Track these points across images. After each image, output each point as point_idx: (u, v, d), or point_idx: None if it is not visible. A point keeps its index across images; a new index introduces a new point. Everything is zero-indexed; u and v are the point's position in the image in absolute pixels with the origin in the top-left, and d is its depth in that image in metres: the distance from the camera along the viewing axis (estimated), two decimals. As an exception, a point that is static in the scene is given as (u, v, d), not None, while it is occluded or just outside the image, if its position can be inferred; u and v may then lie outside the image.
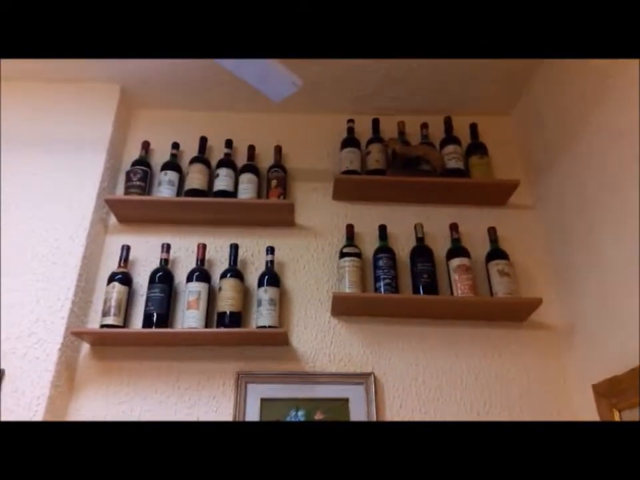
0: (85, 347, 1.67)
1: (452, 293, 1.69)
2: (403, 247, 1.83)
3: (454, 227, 1.82)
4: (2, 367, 1.50)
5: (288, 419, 1.55)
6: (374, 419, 1.53)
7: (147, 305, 1.65)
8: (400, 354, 1.67)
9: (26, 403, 1.46)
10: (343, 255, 1.75)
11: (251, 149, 1.96)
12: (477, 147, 1.98)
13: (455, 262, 1.73)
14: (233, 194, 1.86)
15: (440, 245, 1.83)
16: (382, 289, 1.68)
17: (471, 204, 1.92)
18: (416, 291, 1.70)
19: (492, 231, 1.81)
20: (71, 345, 1.61)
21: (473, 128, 2.01)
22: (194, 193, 1.84)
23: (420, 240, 1.81)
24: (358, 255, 1.75)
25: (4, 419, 1.44)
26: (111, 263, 1.77)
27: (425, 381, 1.62)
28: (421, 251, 1.77)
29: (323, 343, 1.69)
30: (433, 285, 1.70)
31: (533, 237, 1.87)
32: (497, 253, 1.76)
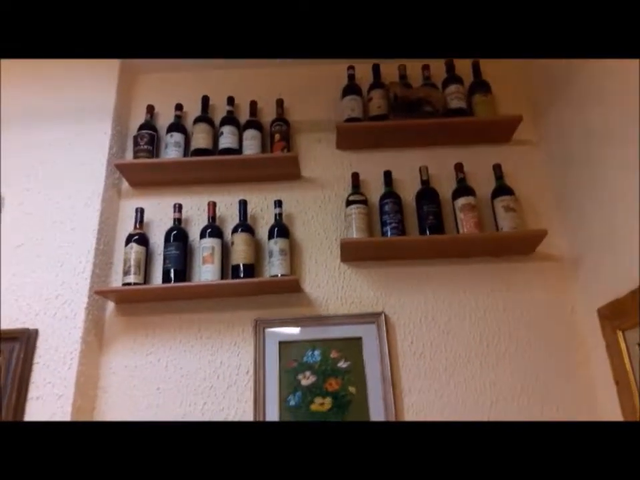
0: (110, 305, 1.77)
1: (458, 232, 1.72)
2: (409, 190, 1.85)
3: (459, 167, 1.83)
4: (36, 327, 1.61)
5: (305, 359, 1.64)
6: (386, 355, 1.60)
7: (164, 263, 1.73)
8: (409, 294, 1.71)
9: (60, 358, 1.57)
10: (349, 203, 1.78)
11: (253, 104, 1.98)
12: (479, 85, 1.96)
13: (461, 201, 1.74)
14: (238, 150, 1.89)
15: (445, 186, 1.84)
16: (389, 233, 1.71)
17: (475, 143, 1.92)
18: (422, 232, 1.73)
19: (497, 168, 1.82)
20: (96, 303, 1.70)
21: (476, 66, 1.98)
22: (200, 152, 1.88)
23: (425, 182, 1.82)
24: (364, 202, 1.78)
25: (42, 373, 1.55)
26: (127, 226, 1.85)
27: (434, 317, 1.67)
28: (426, 193, 1.79)
29: (334, 287, 1.74)
30: (439, 226, 1.72)
31: (537, 171, 1.87)
32: (502, 189, 1.77)
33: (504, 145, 1.92)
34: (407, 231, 1.75)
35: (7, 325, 1.61)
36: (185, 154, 1.92)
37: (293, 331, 1.68)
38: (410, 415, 1.55)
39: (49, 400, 1.53)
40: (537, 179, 1.86)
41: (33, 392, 1.54)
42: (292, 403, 1.58)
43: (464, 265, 1.74)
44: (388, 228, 1.72)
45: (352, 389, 1.58)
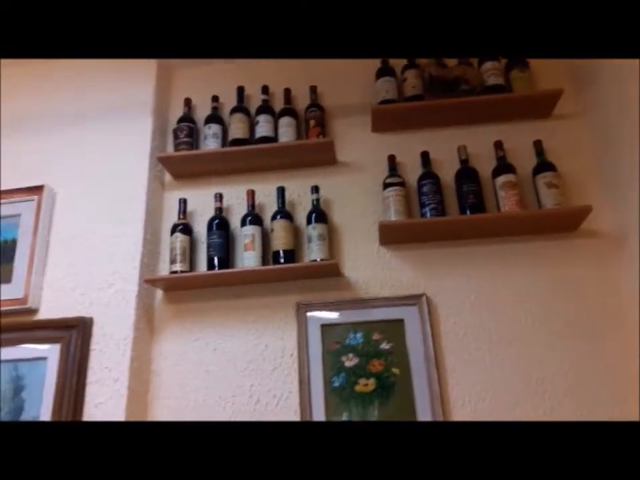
0: (159, 293, 1.84)
1: (499, 211, 1.69)
2: (447, 170, 1.84)
3: (498, 145, 1.80)
4: (91, 315, 1.70)
5: (347, 342, 1.66)
6: (429, 336, 1.61)
7: (208, 251, 1.79)
8: (450, 275, 1.71)
9: (114, 344, 1.66)
10: (386, 185, 1.78)
11: (287, 92, 2.00)
12: (516, 61, 1.91)
13: (501, 179, 1.72)
14: (274, 138, 1.92)
15: (485, 165, 1.81)
16: (428, 214, 1.71)
17: (514, 119, 1.88)
18: (462, 212, 1.72)
19: (538, 144, 1.77)
20: (145, 292, 1.78)
21: (512, 40, 1.93)
22: (237, 142, 1.92)
23: (464, 162, 1.80)
24: (401, 184, 1.78)
25: (98, 358, 1.64)
26: (171, 216, 1.92)
27: (477, 297, 1.66)
28: (466, 173, 1.77)
29: (374, 270, 1.76)
30: (480, 205, 1.70)
31: (579, 146, 1.81)
32: (543, 165, 1.73)
33: (544, 120, 1.87)
34: (446, 211, 1.74)
35: (65, 313, 1.71)
36: (223, 144, 1.96)
37: (334, 314, 1.71)
38: (454, 394, 1.55)
39: (106, 383, 1.61)
40: (579, 154, 1.80)
41: (91, 376, 1.63)
42: (336, 384, 1.62)
43: (506, 244, 1.72)
44: (427, 209, 1.71)
45: (395, 370, 1.60)
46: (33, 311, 1.74)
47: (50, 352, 1.64)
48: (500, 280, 1.68)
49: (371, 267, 1.76)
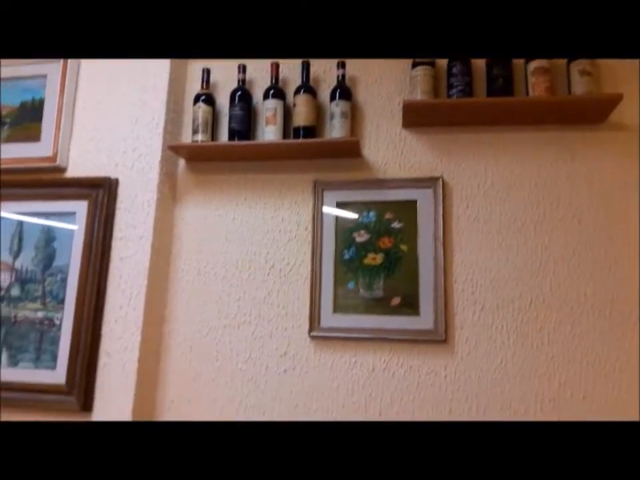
0: (181, 163, 1.89)
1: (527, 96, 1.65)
2: (479, 54, 1.76)
3: (535, 29, 1.70)
4: (117, 177, 1.77)
5: (360, 220, 1.72)
6: (440, 217, 1.65)
7: (229, 123, 1.80)
8: (469, 160, 1.71)
9: (139, 204, 1.74)
10: (415, 64, 1.73)
11: (319, -41, 1.89)
12: None
13: (533, 64, 1.65)
14: (302, 9, 1.84)
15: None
16: (455, 96, 1.67)
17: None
18: (490, 95, 1.68)
19: (578, 30, 1.68)
20: (169, 159, 1.83)
21: None
22: (264, 11, 1.85)
23: (497, 46, 1.72)
24: (431, 64, 1.72)
25: (124, 217, 1.73)
26: (194, 87, 1.91)
27: (493, 183, 1.67)
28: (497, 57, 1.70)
29: (394, 152, 1.76)
30: (509, 89, 1.65)
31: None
32: (581, 52, 1.65)
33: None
34: (474, 94, 1.70)
35: (91, 174, 1.78)
36: (249, 13, 1.89)
37: (350, 193, 1.75)
38: (458, 270, 1.62)
39: (131, 240, 1.72)
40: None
41: (117, 233, 1.73)
42: (346, 256, 1.70)
43: (529, 132, 1.69)
44: (454, 91, 1.67)
45: (403, 247, 1.66)
46: (62, 170, 1.81)
47: (78, 208, 1.73)
48: (518, 167, 1.68)
49: (391, 149, 1.77)
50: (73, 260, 1.69)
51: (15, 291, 1.70)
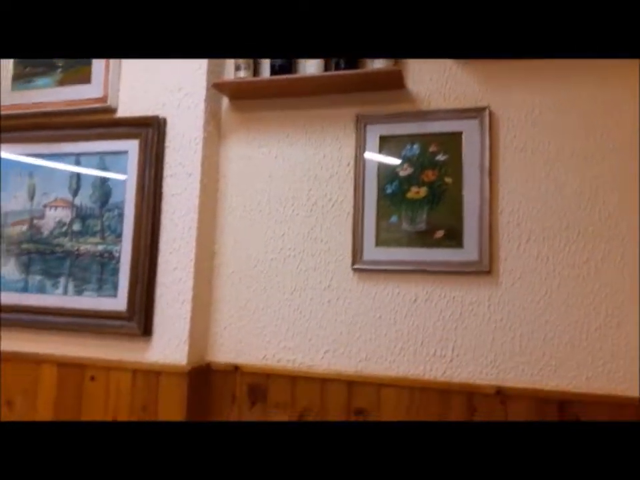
0: (225, 102, 1.92)
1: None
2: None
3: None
4: (164, 116, 1.82)
5: (404, 153, 1.71)
6: (487, 148, 1.61)
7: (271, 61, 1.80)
8: (517, 89, 1.64)
9: (186, 143, 1.79)
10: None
11: None
12: None
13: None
14: None
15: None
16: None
17: None
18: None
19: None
20: (213, 98, 1.85)
21: None
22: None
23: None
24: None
25: (173, 155, 1.79)
26: (235, 24, 1.91)
27: (541, 112, 1.61)
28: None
29: (438, 83, 1.72)
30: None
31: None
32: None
33: None
34: (522, 19, 1.62)
35: (140, 113, 1.84)
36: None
37: (393, 126, 1.73)
38: (504, 202, 1.60)
39: (181, 177, 1.78)
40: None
41: (167, 170, 1.80)
42: (389, 191, 1.70)
43: (582, 59, 1.60)
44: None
45: (448, 180, 1.65)
46: (112, 110, 1.87)
47: (130, 146, 1.81)
48: (567, 96, 1.60)
49: (435, 80, 1.72)
50: (128, 196, 1.78)
51: (77, 226, 1.82)
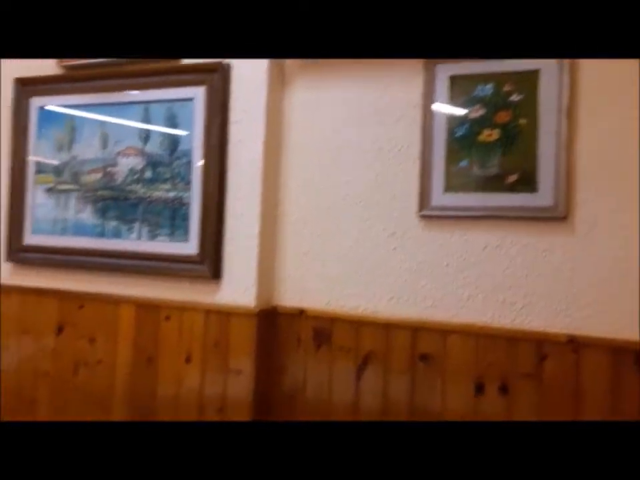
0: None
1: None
2: None
3: None
4: (228, 62, 1.81)
5: (475, 94, 1.63)
6: (566, 90, 1.51)
7: None
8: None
9: (251, 89, 1.78)
10: None
11: None
12: None
13: None
14: None
15: None
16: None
17: None
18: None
19: None
20: (276, 41, 1.82)
21: None
22: None
23: None
24: None
25: (238, 101, 1.79)
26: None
27: (631, 46, 1.49)
28: None
29: (515, 17, 1.61)
30: None
31: None
32: None
33: None
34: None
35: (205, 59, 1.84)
36: None
37: (465, 65, 1.65)
38: (584, 146, 1.51)
39: (246, 124, 1.79)
40: None
41: (233, 117, 1.81)
42: (459, 134, 1.64)
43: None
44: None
45: (522, 121, 1.57)
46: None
47: (196, 93, 1.82)
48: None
49: (512, 14, 1.61)
50: (195, 143, 1.81)
51: (148, 174, 1.88)
